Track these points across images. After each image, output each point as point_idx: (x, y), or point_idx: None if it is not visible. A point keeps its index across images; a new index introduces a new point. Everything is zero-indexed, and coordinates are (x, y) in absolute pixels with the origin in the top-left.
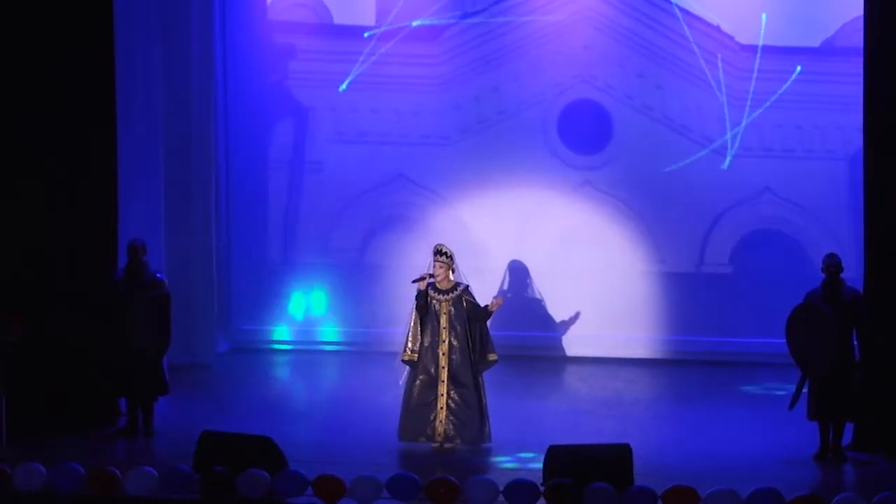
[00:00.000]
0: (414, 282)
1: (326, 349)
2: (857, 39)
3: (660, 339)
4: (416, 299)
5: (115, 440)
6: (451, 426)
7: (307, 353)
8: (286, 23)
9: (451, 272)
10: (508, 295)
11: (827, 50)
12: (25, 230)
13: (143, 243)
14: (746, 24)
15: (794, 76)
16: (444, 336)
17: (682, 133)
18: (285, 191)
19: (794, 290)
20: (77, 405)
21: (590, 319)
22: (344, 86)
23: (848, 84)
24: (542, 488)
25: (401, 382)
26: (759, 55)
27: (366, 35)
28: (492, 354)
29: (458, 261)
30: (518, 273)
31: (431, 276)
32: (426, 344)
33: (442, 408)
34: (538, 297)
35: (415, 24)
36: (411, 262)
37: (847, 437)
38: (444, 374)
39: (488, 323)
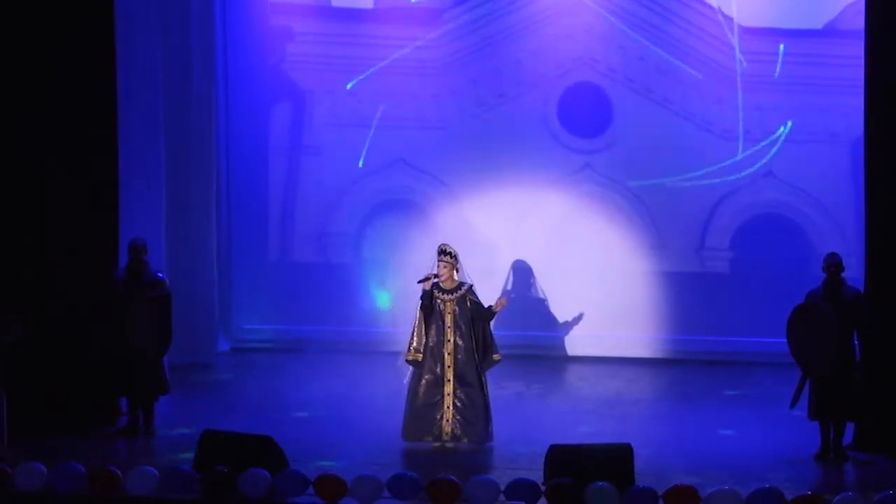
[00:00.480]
0: (419, 282)
1: (327, 349)
2: (860, 22)
3: (661, 339)
4: (422, 299)
5: (115, 440)
6: (457, 425)
7: (308, 353)
8: (284, 4)
9: (455, 272)
10: (512, 295)
11: (829, 32)
12: (26, 230)
13: (144, 243)
14: (748, 7)
15: (780, 57)
16: (448, 335)
17: (682, 116)
18: (285, 178)
19: (795, 288)
20: (78, 405)
21: (591, 319)
22: (350, 85)
23: (850, 67)
24: (543, 488)
25: (405, 382)
26: (760, 37)
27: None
28: (496, 354)
29: (457, 242)
30: (519, 272)
31: (436, 276)
32: (431, 344)
33: (448, 407)
34: (540, 296)
35: (413, 0)
36: (413, 261)
37: (848, 436)
38: (450, 374)
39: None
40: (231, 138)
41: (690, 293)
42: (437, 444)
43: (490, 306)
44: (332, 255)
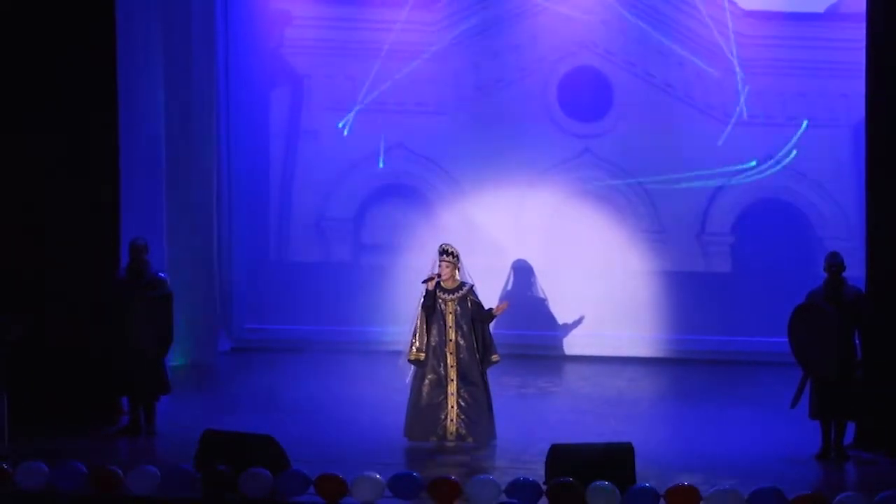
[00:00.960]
0: (423, 282)
1: (328, 348)
2: (862, 5)
3: (662, 339)
4: (425, 299)
5: (116, 439)
6: (462, 425)
7: (309, 352)
8: None
9: (456, 271)
10: (510, 292)
11: (831, 16)
12: (26, 230)
13: (145, 242)
14: None
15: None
16: (451, 335)
17: (683, 100)
18: (282, 165)
19: (797, 284)
20: (79, 404)
21: (592, 319)
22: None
23: (852, 51)
24: (544, 487)
25: (406, 381)
26: (761, 21)
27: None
28: (494, 355)
29: (456, 228)
30: (520, 272)
31: (439, 276)
32: (433, 343)
33: (452, 407)
34: (541, 296)
35: None
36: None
37: (849, 436)
38: (453, 374)
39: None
40: (231, 132)
41: (692, 292)
42: (442, 443)
43: (490, 309)
44: (331, 242)
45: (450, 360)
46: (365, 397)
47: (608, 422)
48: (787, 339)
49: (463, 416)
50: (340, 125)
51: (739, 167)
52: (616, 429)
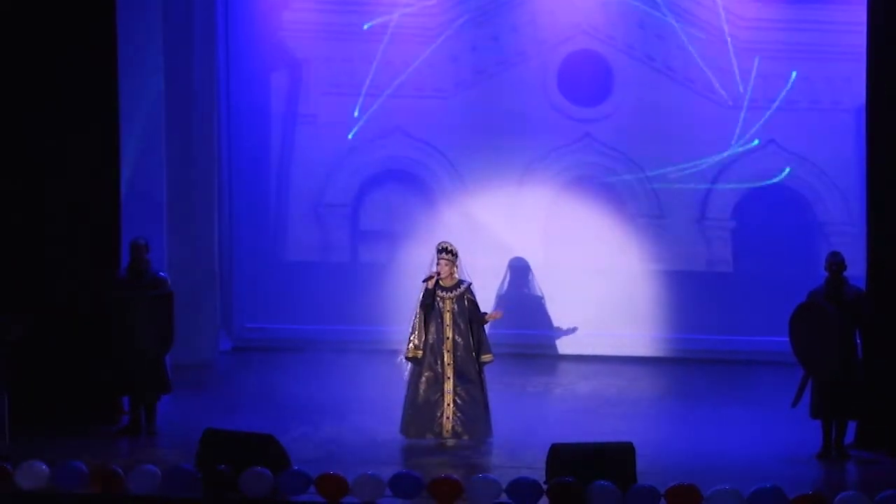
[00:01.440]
0: (424, 281)
1: (329, 347)
2: None
3: (663, 338)
4: (424, 298)
5: (117, 439)
6: (458, 422)
7: (310, 352)
8: None
9: (454, 269)
10: (509, 299)
11: None
12: (27, 229)
13: (146, 242)
14: None
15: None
16: (448, 333)
17: (684, 84)
18: (280, 149)
19: (797, 287)
20: (80, 404)
21: (593, 318)
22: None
23: (854, 34)
24: (545, 487)
25: (404, 378)
26: (762, 4)
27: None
28: (487, 355)
29: (454, 212)
30: (518, 271)
31: (438, 274)
32: (430, 341)
33: (449, 404)
34: (542, 295)
35: None
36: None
37: (850, 435)
38: (450, 371)
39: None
40: (232, 123)
41: (692, 291)
42: (439, 441)
43: (485, 313)
44: (329, 228)
45: (447, 357)
46: (366, 396)
47: (609, 421)
48: (788, 339)
49: (459, 414)
50: (356, 114)
51: (741, 150)
52: (617, 428)
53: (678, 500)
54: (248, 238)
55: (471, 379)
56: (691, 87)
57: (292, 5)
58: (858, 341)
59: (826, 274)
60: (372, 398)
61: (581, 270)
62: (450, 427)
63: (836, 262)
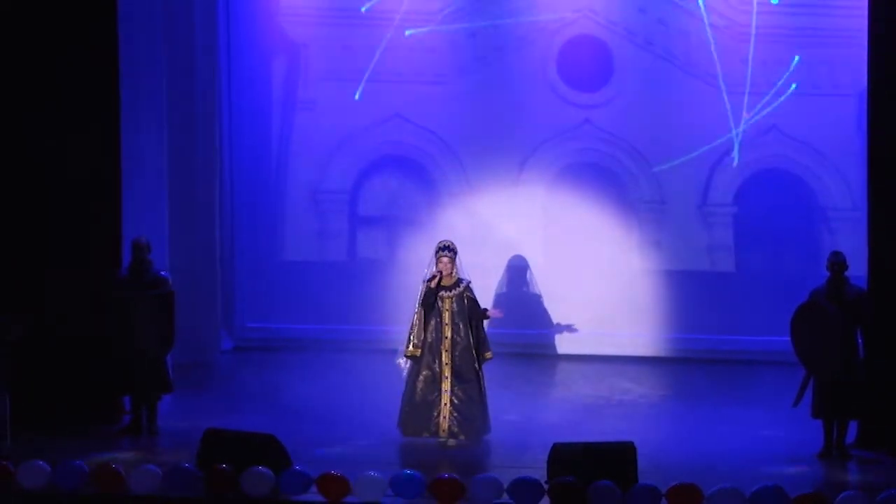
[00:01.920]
0: (427, 281)
1: (330, 347)
2: None
3: (664, 338)
4: (426, 297)
5: (119, 438)
6: (454, 422)
7: (311, 351)
8: None
9: (454, 267)
10: (509, 299)
11: None
12: (27, 229)
13: (148, 241)
14: None
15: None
16: (447, 332)
17: (684, 69)
18: (280, 134)
19: (799, 277)
20: (81, 403)
21: (594, 317)
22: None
23: (856, 17)
24: (546, 486)
25: (403, 375)
26: None
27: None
28: (487, 353)
29: (453, 199)
30: (517, 270)
31: (440, 272)
32: (429, 340)
33: (446, 404)
34: (542, 294)
35: None
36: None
37: (851, 435)
38: (448, 371)
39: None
40: (233, 125)
41: (694, 291)
42: (440, 441)
43: (485, 309)
44: (327, 214)
45: (444, 357)
46: (367, 396)
47: (610, 421)
48: (789, 339)
49: (456, 414)
50: (357, 97)
51: (742, 136)
52: (617, 428)
53: (679, 499)
54: (249, 237)
55: (468, 378)
56: (692, 72)
57: None
58: (860, 341)
59: (827, 273)
60: (373, 397)
61: (582, 263)
62: (446, 426)
63: (838, 262)
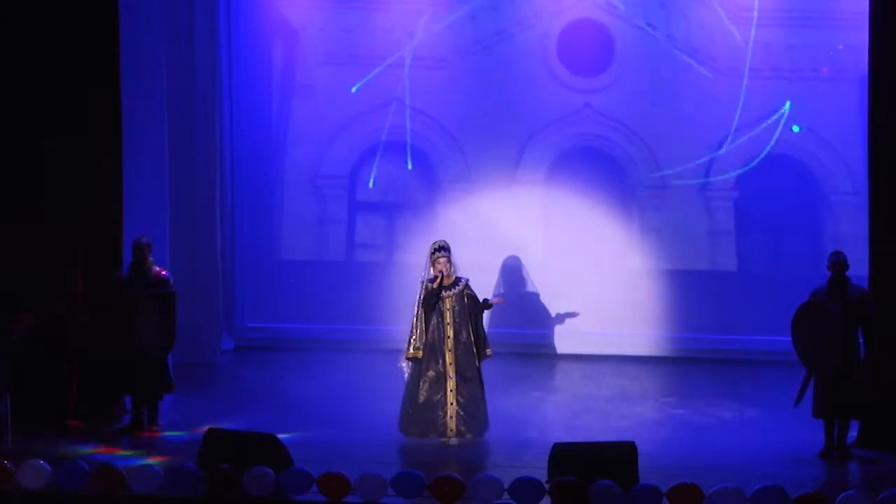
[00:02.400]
0: (430, 282)
1: (331, 346)
2: None
3: (665, 337)
4: (427, 298)
5: (119, 438)
6: (461, 422)
7: (312, 351)
8: None
9: (451, 265)
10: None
11: None
12: (29, 228)
13: (149, 241)
14: None
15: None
16: (448, 332)
17: (686, 53)
18: (278, 118)
19: (800, 282)
20: (82, 403)
21: (595, 317)
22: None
23: (857, 1)
24: (547, 486)
25: (405, 377)
26: None
27: None
28: (487, 350)
29: (452, 185)
30: (520, 271)
31: (441, 273)
32: (430, 340)
33: (452, 404)
34: (542, 294)
35: None
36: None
37: (852, 434)
38: (451, 371)
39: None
40: (234, 124)
41: (694, 291)
42: (444, 440)
43: (486, 299)
44: (326, 199)
45: (448, 357)
46: (368, 396)
47: (610, 421)
48: (790, 338)
49: (462, 413)
50: (354, 90)
51: (743, 120)
52: (618, 428)
53: (680, 499)
54: (249, 236)
55: (470, 377)
56: (693, 56)
57: None
58: (861, 341)
59: (828, 272)
60: (374, 397)
61: (582, 258)
62: (454, 426)
63: (839, 262)
